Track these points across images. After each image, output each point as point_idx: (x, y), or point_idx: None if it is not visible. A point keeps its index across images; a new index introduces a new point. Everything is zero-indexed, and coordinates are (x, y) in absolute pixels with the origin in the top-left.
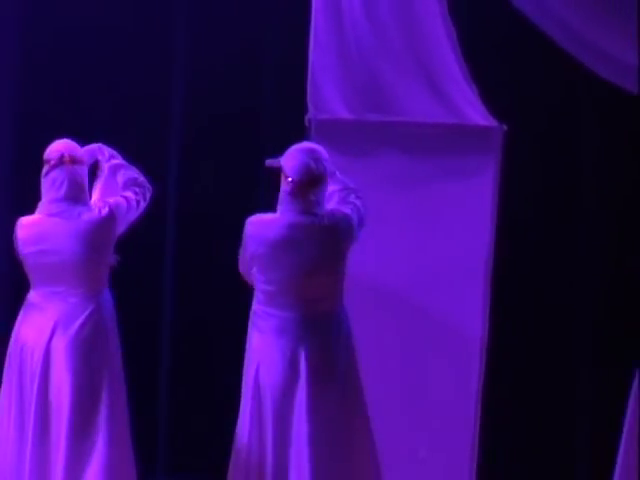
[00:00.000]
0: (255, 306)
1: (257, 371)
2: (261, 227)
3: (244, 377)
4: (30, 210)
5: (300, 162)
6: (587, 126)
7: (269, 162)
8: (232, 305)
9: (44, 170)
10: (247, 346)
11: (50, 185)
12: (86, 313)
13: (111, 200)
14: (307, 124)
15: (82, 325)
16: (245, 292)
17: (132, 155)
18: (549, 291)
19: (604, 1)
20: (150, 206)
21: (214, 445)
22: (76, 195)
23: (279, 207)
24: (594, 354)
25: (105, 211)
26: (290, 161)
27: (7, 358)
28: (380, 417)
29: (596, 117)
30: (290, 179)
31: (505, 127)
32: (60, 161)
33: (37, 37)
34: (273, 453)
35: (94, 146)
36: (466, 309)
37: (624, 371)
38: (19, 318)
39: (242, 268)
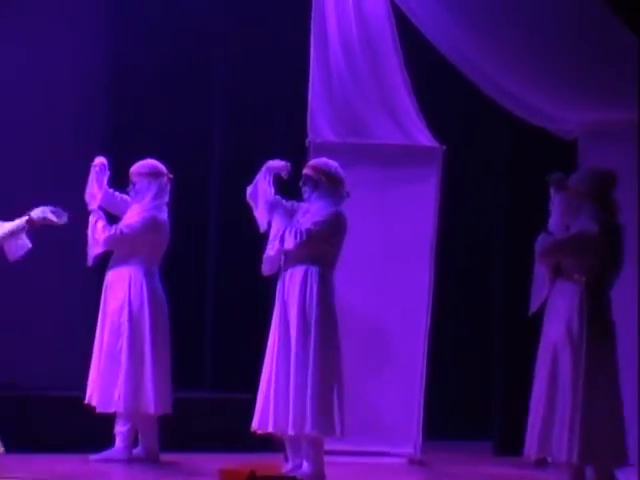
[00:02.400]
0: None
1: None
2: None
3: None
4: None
5: None
6: (504, 148)
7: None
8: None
9: (162, 182)
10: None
11: (164, 193)
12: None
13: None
14: (307, 145)
15: None
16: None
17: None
18: (476, 266)
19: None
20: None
21: (250, 368)
22: None
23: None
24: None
25: None
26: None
27: None
28: (350, 361)
29: (510, 142)
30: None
31: (444, 147)
32: (169, 176)
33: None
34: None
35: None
36: (415, 276)
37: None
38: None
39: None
